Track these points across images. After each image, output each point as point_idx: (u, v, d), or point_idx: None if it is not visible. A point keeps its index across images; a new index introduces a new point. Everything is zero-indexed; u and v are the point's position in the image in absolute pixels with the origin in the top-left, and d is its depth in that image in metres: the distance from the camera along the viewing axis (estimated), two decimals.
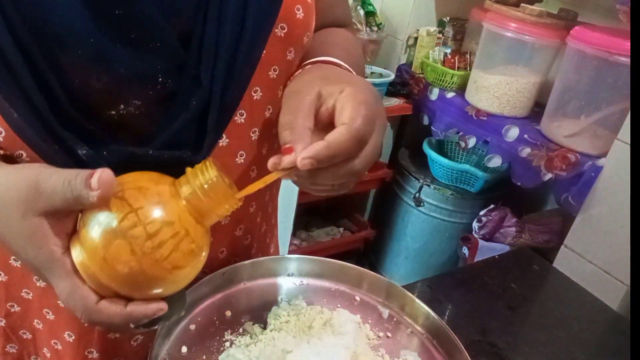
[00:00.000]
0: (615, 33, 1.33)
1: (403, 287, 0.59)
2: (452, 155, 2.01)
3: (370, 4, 1.90)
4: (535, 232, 1.63)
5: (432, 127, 1.80)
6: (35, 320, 0.53)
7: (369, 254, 2.21)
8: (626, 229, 1.28)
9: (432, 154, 1.86)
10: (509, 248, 1.63)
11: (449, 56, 1.77)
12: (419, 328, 0.57)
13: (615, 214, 1.31)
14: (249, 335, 0.53)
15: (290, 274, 0.61)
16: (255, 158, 0.53)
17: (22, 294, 0.51)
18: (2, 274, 0.51)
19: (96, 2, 0.38)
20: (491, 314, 0.82)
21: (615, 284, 1.32)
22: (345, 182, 0.44)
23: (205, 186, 0.38)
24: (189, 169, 0.39)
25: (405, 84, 1.90)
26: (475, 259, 1.65)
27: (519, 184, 1.54)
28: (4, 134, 0.41)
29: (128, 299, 0.38)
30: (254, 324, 0.54)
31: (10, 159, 0.43)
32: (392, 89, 1.88)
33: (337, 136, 0.40)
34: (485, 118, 1.63)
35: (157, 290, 0.38)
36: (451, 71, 1.74)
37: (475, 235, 1.69)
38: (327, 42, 0.58)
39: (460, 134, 1.72)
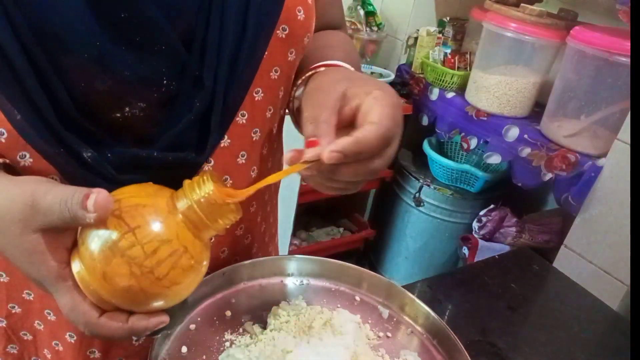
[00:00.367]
0: (615, 33, 1.33)
1: (403, 287, 0.59)
2: (452, 155, 2.01)
3: (370, 4, 1.90)
4: (535, 232, 1.63)
5: (436, 129, 1.80)
6: (36, 322, 0.53)
7: (369, 254, 2.21)
8: (626, 229, 1.28)
9: (432, 154, 1.86)
10: (509, 248, 1.63)
11: (449, 56, 1.77)
12: (419, 328, 0.57)
13: (615, 214, 1.31)
14: (249, 335, 0.53)
15: (290, 274, 0.61)
16: (256, 158, 0.54)
17: (23, 295, 0.51)
18: (4, 275, 0.51)
19: (100, 5, 0.38)
20: (491, 314, 0.82)
21: (615, 284, 1.32)
22: (359, 181, 0.44)
23: (202, 200, 0.38)
24: (186, 182, 0.39)
25: (405, 84, 1.90)
26: (475, 259, 1.65)
27: (519, 184, 1.55)
28: (6, 135, 0.41)
29: (130, 312, 0.38)
30: (254, 324, 0.54)
31: (11, 169, 0.43)
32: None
33: (366, 133, 0.40)
34: (485, 118, 1.63)
35: (158, 304, 0.39)
36: (451, 71, 1.74)
37: (475, 235, 1.69)
38: (328, 45, 0.58)
39: (462, 134, 1.72)
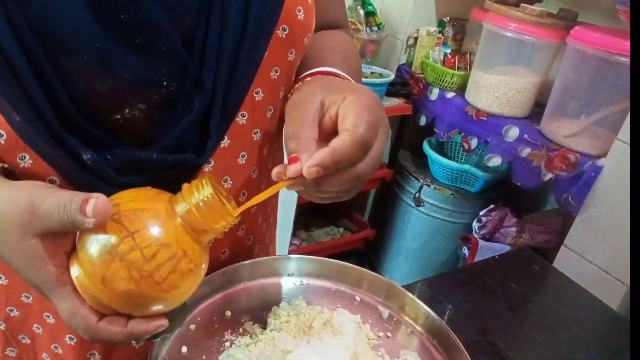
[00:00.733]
0: (615, 33, 1.33)
1: (403, 287, 0.59)
2: (452, 155, 2.02)
3: (370, 4, 1.90)
4: (535, 232, 1.63)
5: (434, 129, 1.80)
6: (35, 325, 0.53)
7: (369, 254, 2.21)
8: (626, 229, 1.28)
9: (432, 154, 1.86)
10: (509, 248, 1.63)
11: (449, 56, 1.77)
12: (419, 328, 0.57)
13: (615, 214, 1.31)
14: (249, 335, 0.53)
15: (290, 274, 0.61)
16: (256, 158, 0.54)
17: (21, 298, 0.51)
18: (3, 278, 0.51)
19: (101, 7, 0.38)
20: (491, 314, 0.82)
21: (615, 284, 1.32)
22: (350, 189, 0.44)
23: (201, 204, 0.38)
24: (185, 186, 0.39)
25: (405, 84, 1.90)
26: (475, 259, 1.65)
27: (519, 184, 1.55)
28: (5, 136, 0.41)
29: (129, 316, 0.38)
30: (254, 324, 0.54)
31: (11, 173, 0.43)
32: (392, 89, 1.88)
33: (340, 142, 0.40)
34: (485, 118, 1.63)
35: (158, 308, 0.38)
36: (451, 71, 1.74)
37: (475, 235, 1.69)
38: (325, 46, 0.58)
39: (463, 134, 1.71)
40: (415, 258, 1.99)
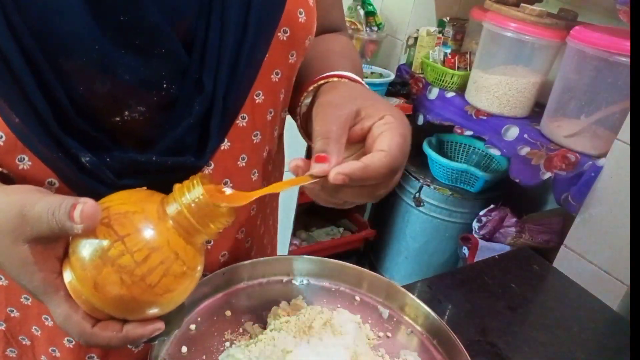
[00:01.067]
0: (615, 33, 1.33)
1: (403, 287, 0.59)
2: (452, 155, 2.01)
3: (370, 4, 1.90)
4: (535, 232, 1.63)
5: (427, 119, 1.80)
6: (34, 327, 0.53)
7: (369, 254, 2.21)
8: (626, 229, 1.28)
9: (432, 154, 1.86)
10: (509, 248, 1.63)
11: (449, 56, 1.77)
12: (419, 328, 0.57)
13: (615, 214, 1.31)
14: (249, 335, 0.53)
15: (290, 274, 0.61)
16: (256, 161, 0.53)
17: (21, 300, 0.51)
18: (3, 278, 0.50)
19: (101, 9, 0.38)
20: (491, 314, 0.82)
21: (615, 284, 1.32)
22: (358, 201, 0.45)
23: (192, 205, 0.37)
24: (176, 186, 0.38)
25: (405, 84, 1.90)
26: (475, 259, 1.65)
27: (517, 180, 1.54)
28: (4, 138, 0.41)
29: (125, 320, 0.38)
30: (254, 324, 0.54)
31: (7, 178, 0.42)
32: (392, 89, 1.88)
33: (375, 161, 0.40)
34: (485, 117, 1.63)
35: (152, 312, 0.38)
36: (451, 71, 1.74)
37: (475, 235, 1.69)
38: (332, 51, 0.59)
39: (456, 126, 1.71)
40: (415, 258, 1.99)
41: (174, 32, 0.41)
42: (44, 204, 0.35)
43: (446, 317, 0.81)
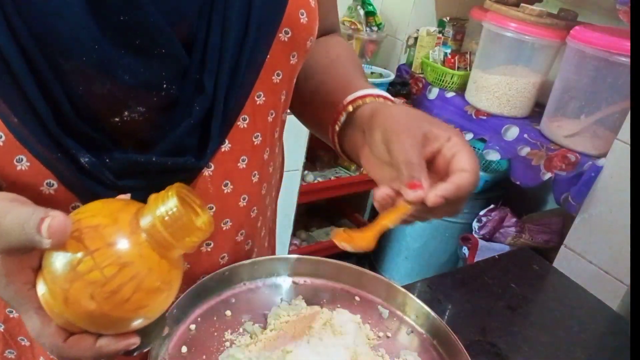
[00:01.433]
0: (615, 33, 1.33)
1: (403, 287, 0.59)
2: None
3: (370, 4, 1.90)
4: (535, 232, 1.63)
5: None
6: None
7: (369, 254, 2.21)
8: (626, 229, 1.28)
9: None
10: (509, 248, 1.63)
11: (449, 56, 1.77)
12: (419, 328, 0.57)
13: (615, 214, 1.31)
14: (249, 335, 0.53)
15: (290, 274, 0.61)
16: (257, 163, 0.53)
17: None
18: None
19: (101, 9, 0.38)
20: (491, 314, 0.82)
21: (615, 284, 1.32)
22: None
23: (166, 217, 0.35)
24: (151, 197, 0.36)
25: (405, 84, 1.90)
26: (475, 259, 1.65)
27: (517, 182, 1.54)
28: (3, 138, 0.41)
29: (99, 333, 0.37)
30: (254, 324, 0.54)
31: None
32: (392, 89, 1.88)
33: (463, 180, 0.43)
34: (484, 117, 1.63)
35: (126, 327, 0.37)
36: (451, 71, 1.74)
37: (475, 235, 1.69)
38: (344, 57, 0.61)
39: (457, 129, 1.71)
40: (415, 258, 1.99)
41: (174, 32, 0.41)
42: (14, 215, 0.34)
43: (446, 317, 0.81)
